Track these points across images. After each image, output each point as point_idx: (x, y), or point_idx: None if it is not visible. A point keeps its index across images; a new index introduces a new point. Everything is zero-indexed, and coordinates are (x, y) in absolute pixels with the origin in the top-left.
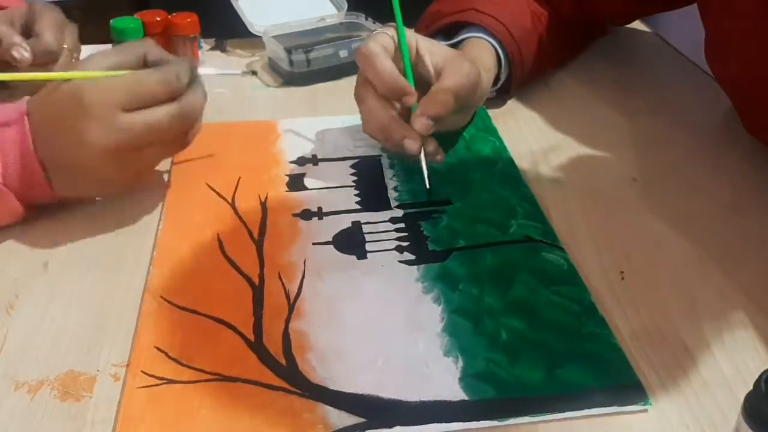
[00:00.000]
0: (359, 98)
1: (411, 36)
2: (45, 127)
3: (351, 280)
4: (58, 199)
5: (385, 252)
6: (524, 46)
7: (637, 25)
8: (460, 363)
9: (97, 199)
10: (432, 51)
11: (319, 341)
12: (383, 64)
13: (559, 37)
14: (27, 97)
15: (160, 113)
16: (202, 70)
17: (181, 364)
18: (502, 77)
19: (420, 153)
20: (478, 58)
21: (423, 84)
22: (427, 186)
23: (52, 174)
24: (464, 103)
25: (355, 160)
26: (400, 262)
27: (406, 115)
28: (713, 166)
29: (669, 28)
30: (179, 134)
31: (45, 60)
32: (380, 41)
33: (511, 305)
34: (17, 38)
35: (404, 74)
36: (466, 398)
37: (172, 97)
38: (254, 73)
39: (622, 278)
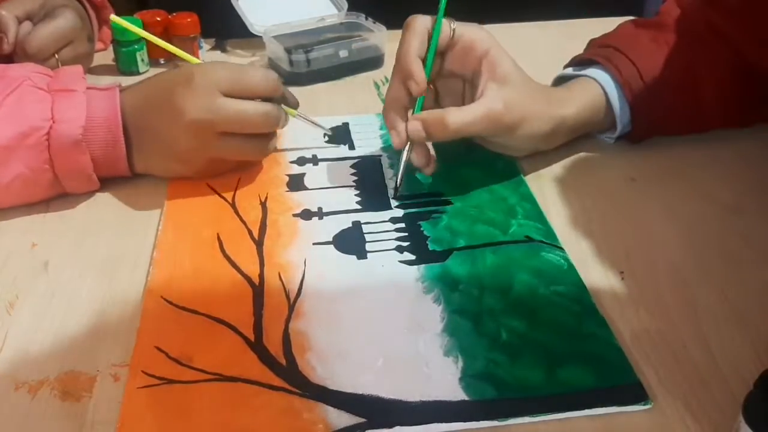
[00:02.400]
0: (393, 68)
1: (485, 42)
2: (140, 98)
3: (351, 280)
4: (132, 171)
5: (385, 252)
6: (657, 96)
7: None
8: (461, 363)
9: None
10: (492, 63)
11: (319, 341)
12: (408, 42)
13: (738, 86)
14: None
15: (252, 106)
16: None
17: (181, 364)
18: (620, 124)
19: (401, 149)
20: (568, 99)
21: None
22: (397, 185)
23: (134, 142)
24: (487, 138)
25: (355, 160)
26: (400, 262)
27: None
28: (713, 166)
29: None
30: (261, 137)
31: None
32: (430, 23)
33: (511, 305)
34: (12, 27)
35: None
36: (466, 398)
37: (267, 98)
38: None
39: (622, 278)
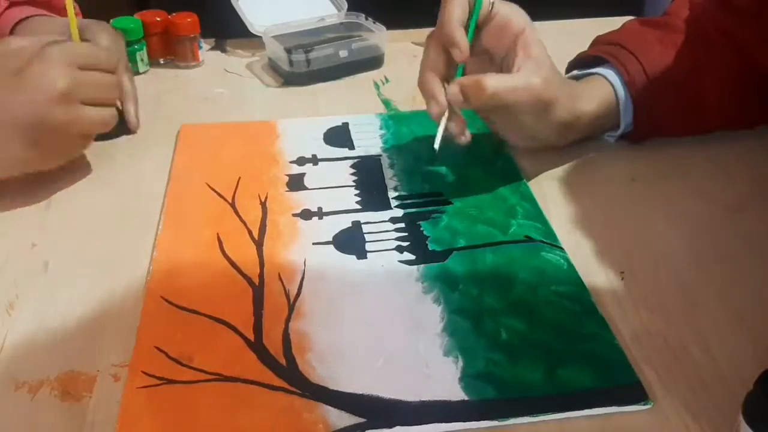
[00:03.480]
0: (428, 37)
1: (521, 21)
2: None
3: (351, 280)
4: None
5: (385, 252)
6: (660, 97)
7: None
8: (460, 363)
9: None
10: (527, 42)
11: (319, 341)
12: (451, 10)
13: (747, 92)
14: None
15: (99, 75)
16: None
17: (181, 364)
18: (623, 123)
19: (438, 119)
20: (585, 96)
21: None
22: (435, 147)
23: None
24: (516, 113)
25: (355, 160)
26: (400, 262)
27: (452, 75)
28: (713, 166)
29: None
30: (106, 106)
31: None
32: None
33: (511, 305)
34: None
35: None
36: (466, 398)
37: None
38: None
39: (622, 278)
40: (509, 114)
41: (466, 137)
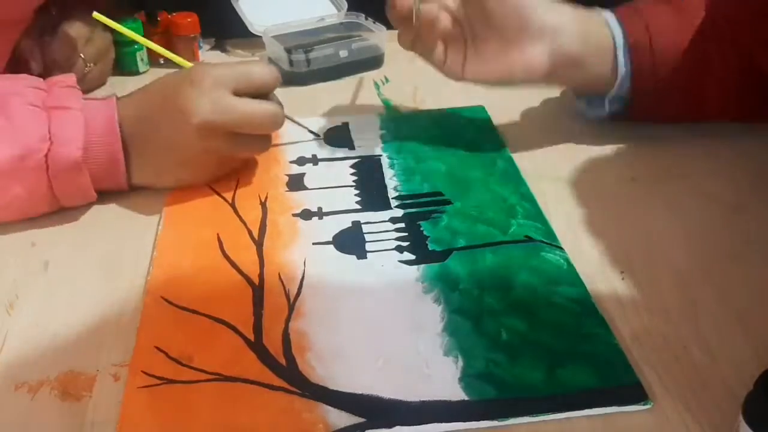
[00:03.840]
0: None
1: None
2: (140, 106)
3: (351, 280)
4: (129, 186)
5: (385, 252)
6: (661, 70)
7: None
8: (460, 363)
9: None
10: None
11: (319, 341)
12: None
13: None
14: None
15: (261, 107)
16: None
17: (181, 364)
18: (618, 80)
19: None
20: (588, 26)
21: None
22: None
23: (132, 153)
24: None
25: (355, 160)
26: (400, 262)
27: None
28: (713, 166)
29: None
30: (263, 137)
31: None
32: None
33: (511, 305)
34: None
35: None
36: (466, 398)
37: (264, 94)
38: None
39: (622, 278)
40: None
41: None
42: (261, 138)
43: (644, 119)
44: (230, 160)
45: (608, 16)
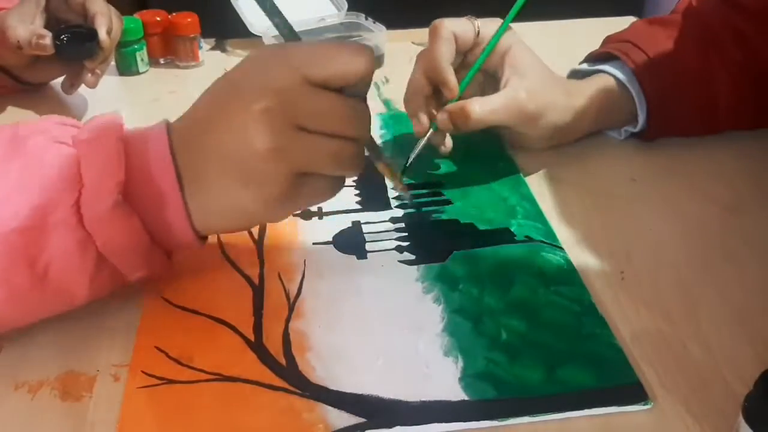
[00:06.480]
0: (416, 60)
1: (509, 39)
2: (193, 116)
3: (351, 280)
4: (194, 238)
5: (385, 252)
6: (672, 93)
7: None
8: (460, 363)
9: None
10: (513, 57)
11: (319, 341)
12: (438, 50)
13: (753, 89)
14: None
15: (341, 100)
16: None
17: (181, 364)
18: (641, 117)
19: (421, 136)
20: (585, 92)
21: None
22: (408, 162)
23: (190, 191)
24: (509, 126)
25: None
26: (400, 262)
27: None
28: (713, 166)
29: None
30: (351, 140)
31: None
32: (456, 26)
33: (511, 305)
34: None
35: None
36: (466, 398)
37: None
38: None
39: (622, 278)
40: (506, 129)
41: (446, 147)
42: (345, 143)
43: (658, 137)
44: (308, 182)
45: (615, 69)
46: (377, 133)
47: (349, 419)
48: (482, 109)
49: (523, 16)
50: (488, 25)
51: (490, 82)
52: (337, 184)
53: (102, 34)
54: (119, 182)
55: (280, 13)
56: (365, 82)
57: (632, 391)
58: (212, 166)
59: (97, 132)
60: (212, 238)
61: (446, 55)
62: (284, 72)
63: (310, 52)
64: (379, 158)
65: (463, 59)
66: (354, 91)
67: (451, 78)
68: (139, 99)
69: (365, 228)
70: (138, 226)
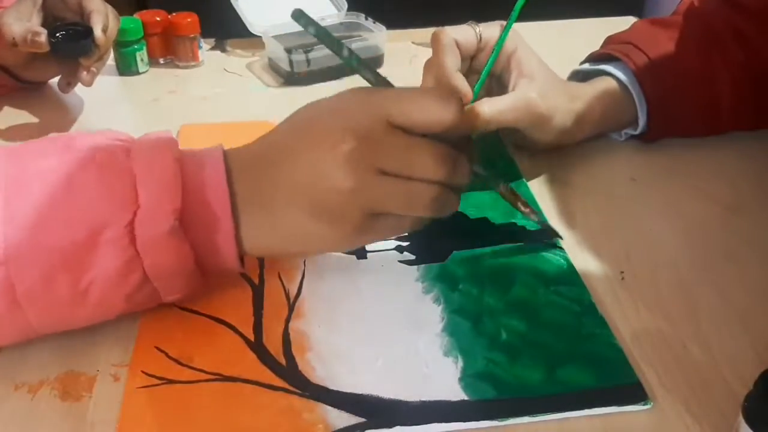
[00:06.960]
0: (424, 70)
1: (513, 41)
2: (256, 150)
3: (351, 280)
4: (240, 254)
5: (385, 252)
6: (674, 93)
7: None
8: (460, 363)
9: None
10: (519, 60)
11: (319, 341)
12: (443, 60)
13: (754, 89)
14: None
15: (429, 146)
16: None
17: (181, 364)
18: (642, 119)
19: None
20: (586, 94)
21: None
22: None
23: (246, 216)
24: (518, 127)
25: None
26: (400, 262)
27: None
28: (713, 165)
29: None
30: (430, 185)
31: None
32: (458, 34)
33: (511, 305)
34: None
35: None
36: (466, 398)
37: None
38: None
39: (622, 278)
40: (511, 131)
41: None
42: (423, 188)
43: (660, 138)
44: (383, 219)
45: (615, 70)
46: None
47: (349, 419)
48: (491, 109)
49: (523, 16)
50: (490, 29)
51: (496, 84)
52: (416, 223)
53: (97, 31)
54: (176, 209)
55: (370, 67)
56: (452, 130)
57: (632, 391)
58: (281, 194)
59: (153, 151)
60: None
61: (452, 62)
62: (369, 116)
63: (396, 98)
64: (497, 185)
65: (470, 65)
66: (446, 136)
67: (463, 84)
68: (139, 99)
69: None
70: (188, 251)
